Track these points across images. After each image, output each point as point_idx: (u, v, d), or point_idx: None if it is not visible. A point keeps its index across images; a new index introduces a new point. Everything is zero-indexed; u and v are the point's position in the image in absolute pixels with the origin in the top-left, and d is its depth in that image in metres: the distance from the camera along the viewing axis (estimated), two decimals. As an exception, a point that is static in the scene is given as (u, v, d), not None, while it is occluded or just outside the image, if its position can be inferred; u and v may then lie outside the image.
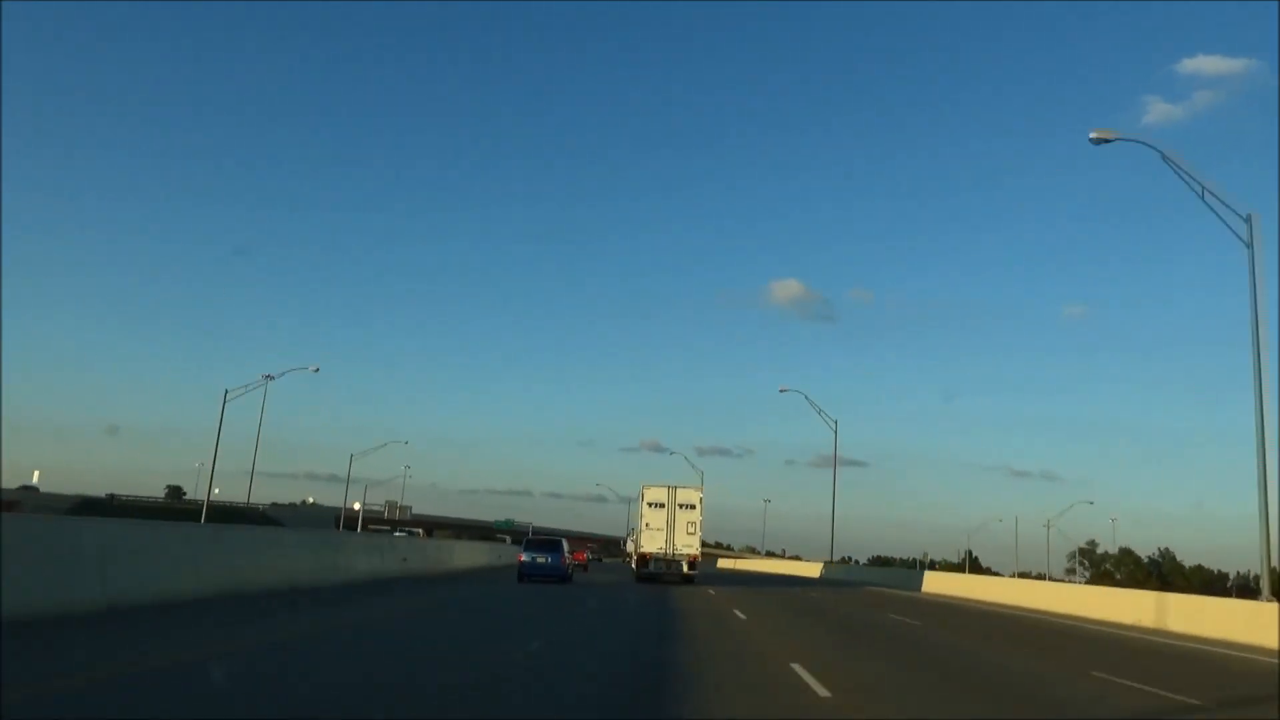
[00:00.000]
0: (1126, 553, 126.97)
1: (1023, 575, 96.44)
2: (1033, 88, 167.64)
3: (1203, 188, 23.54)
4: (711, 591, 30.40)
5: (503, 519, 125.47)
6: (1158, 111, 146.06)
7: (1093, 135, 24.10)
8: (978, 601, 35.20)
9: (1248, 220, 23.33)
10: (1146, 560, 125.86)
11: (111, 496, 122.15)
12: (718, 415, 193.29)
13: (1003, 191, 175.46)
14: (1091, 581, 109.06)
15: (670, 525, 35.49)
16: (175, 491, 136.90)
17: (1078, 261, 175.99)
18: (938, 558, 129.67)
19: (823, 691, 8.57)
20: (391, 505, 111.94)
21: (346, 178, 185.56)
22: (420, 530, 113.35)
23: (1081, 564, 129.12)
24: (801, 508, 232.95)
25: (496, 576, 34.90)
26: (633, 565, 44.58)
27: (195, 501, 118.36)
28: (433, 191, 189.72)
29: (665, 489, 36.10)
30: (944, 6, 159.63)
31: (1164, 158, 23.74)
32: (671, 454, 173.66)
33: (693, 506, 35.71)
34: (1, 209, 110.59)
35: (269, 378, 58.94)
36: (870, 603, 29.59)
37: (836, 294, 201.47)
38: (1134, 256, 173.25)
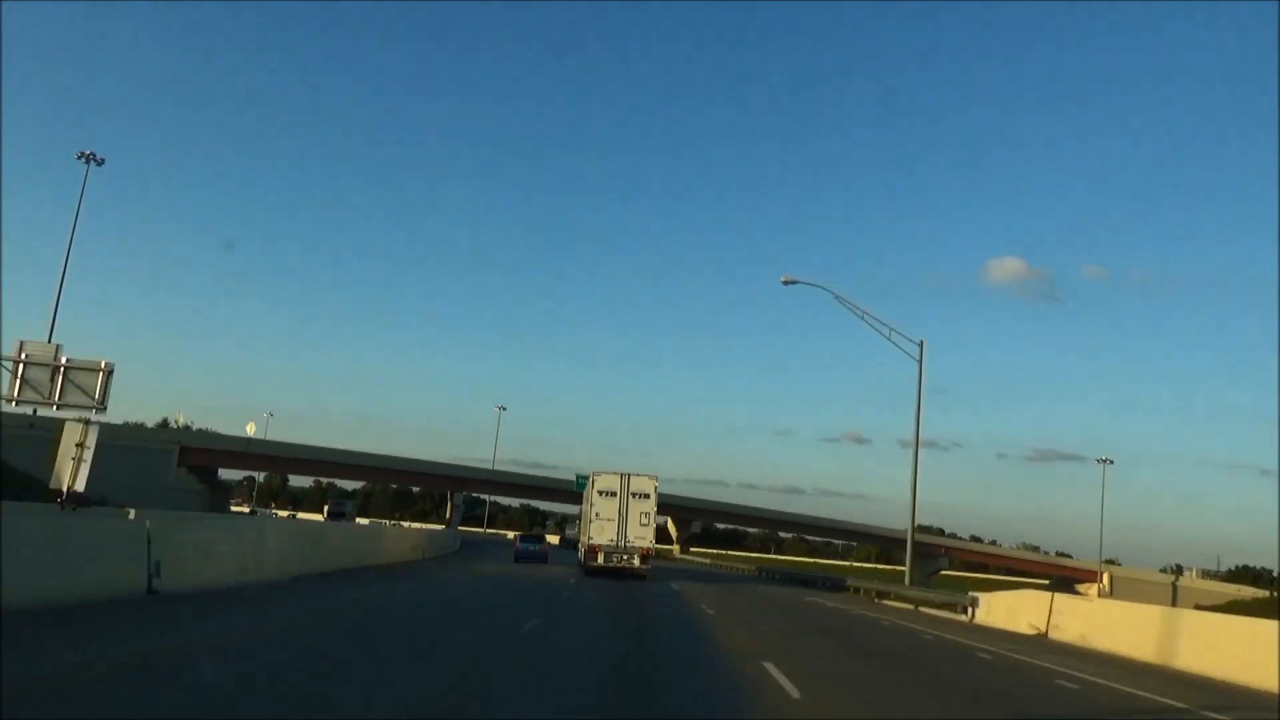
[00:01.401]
0: None
1: None
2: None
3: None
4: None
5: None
6: None
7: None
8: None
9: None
10: None
11: None
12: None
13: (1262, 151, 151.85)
14: None
15: (622, 515, 32.88)
16: None
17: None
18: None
19: None
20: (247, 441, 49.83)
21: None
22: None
23: None
24: (1020, 503, 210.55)
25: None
26: (579, 558, 40.48)
27: None
28: (662, 179, 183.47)
29: (618, 476, 33.37)
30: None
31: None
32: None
33: (647, 496, 33.25)
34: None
35: (91, 159, 45.01)
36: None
37: (1065, 272, 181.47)
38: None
